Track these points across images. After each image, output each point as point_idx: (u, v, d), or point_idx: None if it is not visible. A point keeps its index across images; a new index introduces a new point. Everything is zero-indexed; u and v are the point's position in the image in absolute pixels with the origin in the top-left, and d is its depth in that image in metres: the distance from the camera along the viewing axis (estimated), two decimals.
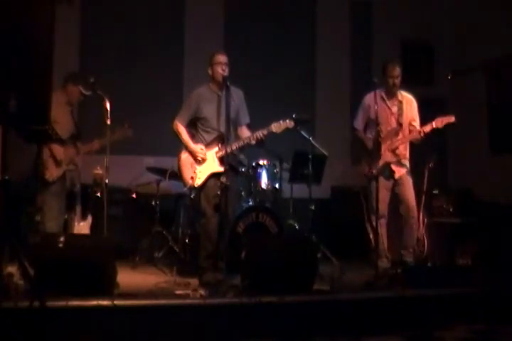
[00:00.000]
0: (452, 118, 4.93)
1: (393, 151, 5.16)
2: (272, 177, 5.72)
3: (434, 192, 5.89)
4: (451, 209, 5.90)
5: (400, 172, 5.19)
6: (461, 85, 7.49)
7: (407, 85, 5.30)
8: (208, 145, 4.80)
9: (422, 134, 5.00)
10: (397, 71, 5.13)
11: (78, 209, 5.17)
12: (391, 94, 5.24)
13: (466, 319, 4.26)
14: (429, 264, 5.19)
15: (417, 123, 5.22)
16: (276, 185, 5.78)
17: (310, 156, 5.20)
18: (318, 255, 4.93)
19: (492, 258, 5.18)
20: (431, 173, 5.47)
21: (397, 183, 5.19)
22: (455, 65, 7.59)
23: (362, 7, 7.90)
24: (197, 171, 4.75)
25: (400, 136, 5.19)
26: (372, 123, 5.16)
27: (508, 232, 5.52)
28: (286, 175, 5.92)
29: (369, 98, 5.17)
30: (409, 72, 5.25)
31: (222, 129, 4.66)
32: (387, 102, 5.24)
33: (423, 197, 5.44)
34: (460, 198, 6.18)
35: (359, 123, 5.34)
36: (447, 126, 4.97)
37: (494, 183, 6.72)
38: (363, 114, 5.31)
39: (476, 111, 7.31)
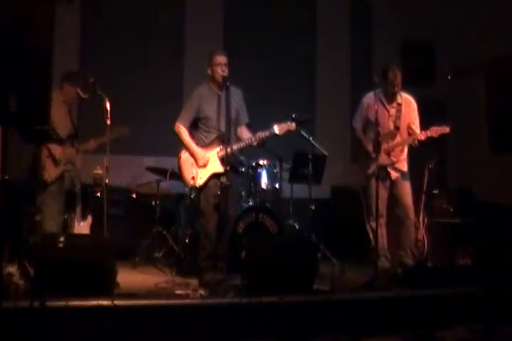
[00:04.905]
0: (447, 129, 4.98)
1: (388, 154, 5.17)
2: (272, 177, 5.72)
3: (434, 192, 5.87)
4: (451, 209, 5.89)
5: (394, 175, 5.20)
6: (461, 85, 7.48)
7: (407, 86, 5.29)
8: (209, 145, 4.77)
9: (416, 142, 5.01)
10: (399, 79, 5.11)
11: (78, 209, 5.17)
12: (391, 97, 5.22)
13: (466, 319, 4.26)
14: (429, 264, 5.19)
15: (415, 126, 5.21)
16: (276, 185, 5.78)
17: (310, 156, 5.19)
18: (318, 255, 4.92)
19: (492, 258, 5.17)
20: (431, 173, 5.47)
21: (393, 185, 5.21)
22: (455, 66, 7.58)
23: (362, 7, 7.90)
24: (198, 171, 4.73)
25: (397, 139, 5.19)
26: (371, 123, 5.15)
27: (508, 232, 5.51)
28: (286, 175, 5.91)
29: (367, 98, 5.18)
30: (409, 72, 5.23)
31: (223, 129, 4.65)
32: (386, 105, 5.23)
33: (423, 197, 5.43)
34: (460, 198, 6.18)
35: (357, 123, 5.35)
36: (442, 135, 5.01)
37: (494, 183, 6.72)
38: (361, 113, 5.31)
39: (476, 111, 7.31)
